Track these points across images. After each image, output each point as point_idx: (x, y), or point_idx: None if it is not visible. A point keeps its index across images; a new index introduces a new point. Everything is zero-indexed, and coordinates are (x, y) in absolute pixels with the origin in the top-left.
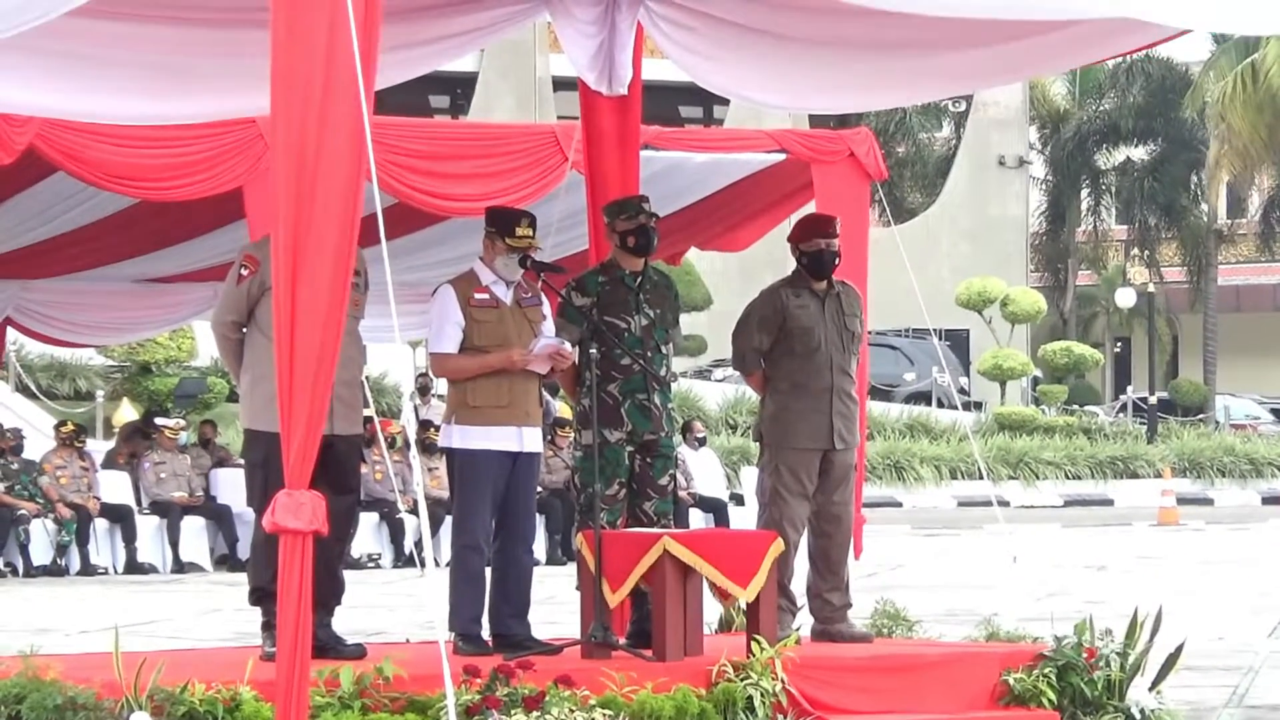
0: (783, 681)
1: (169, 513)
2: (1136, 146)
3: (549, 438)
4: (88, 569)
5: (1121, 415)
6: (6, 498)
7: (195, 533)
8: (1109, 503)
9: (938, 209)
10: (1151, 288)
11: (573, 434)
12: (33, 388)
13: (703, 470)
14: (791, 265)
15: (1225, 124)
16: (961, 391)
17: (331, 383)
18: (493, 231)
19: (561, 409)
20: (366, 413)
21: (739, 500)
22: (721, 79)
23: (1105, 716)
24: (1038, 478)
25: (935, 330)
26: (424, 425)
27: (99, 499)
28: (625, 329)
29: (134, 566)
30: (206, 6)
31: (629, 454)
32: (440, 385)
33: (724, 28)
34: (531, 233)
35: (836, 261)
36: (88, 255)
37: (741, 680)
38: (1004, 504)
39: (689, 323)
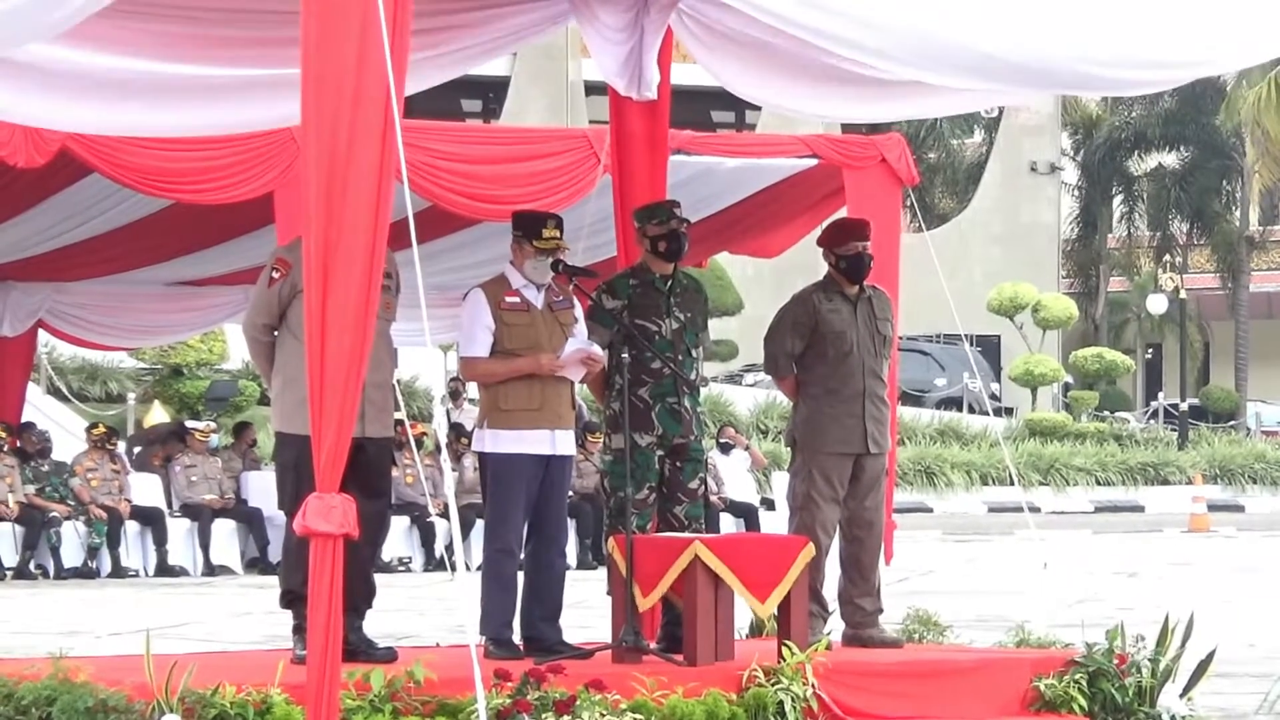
0: (813, 686)
1: (200, 515)
2: (1168, 153)
3: (579, 442)
4: (119, 571)
5: (1152, 421)
6: (37, 500)
7: (226, 535)
8: (1140, 509)
9: (969, 214)
10: (1183, 294)
11: (603, 438)
12: (64, 390)
13: (733, 475)
14: (824, 270)
15: (1260, 130)
16: (993, 397)
17: (362, 385)
18: (519, 235)
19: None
20: (397, 416)
21: (769, 505)
22: (753, 87)
23: None
24: (1068, 484)
25: (966, 336)
26: (455, 429)
27: (130, 501)
28: (656, 333)
29: (165, 569)
30: (236, 24)
31: (659, 458)
32: (472, 389)
33: (757, 35)
34: (559, 234)
35: (871, 265)
36: (121, 258)
37: (772, 685)
38: (1035, 510)
39: (720, 327)
